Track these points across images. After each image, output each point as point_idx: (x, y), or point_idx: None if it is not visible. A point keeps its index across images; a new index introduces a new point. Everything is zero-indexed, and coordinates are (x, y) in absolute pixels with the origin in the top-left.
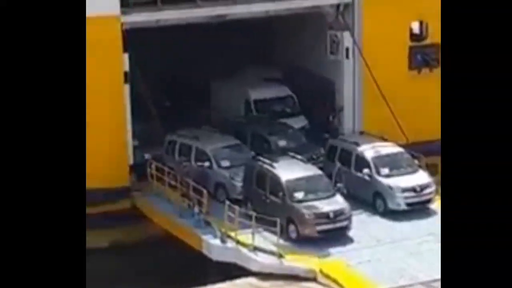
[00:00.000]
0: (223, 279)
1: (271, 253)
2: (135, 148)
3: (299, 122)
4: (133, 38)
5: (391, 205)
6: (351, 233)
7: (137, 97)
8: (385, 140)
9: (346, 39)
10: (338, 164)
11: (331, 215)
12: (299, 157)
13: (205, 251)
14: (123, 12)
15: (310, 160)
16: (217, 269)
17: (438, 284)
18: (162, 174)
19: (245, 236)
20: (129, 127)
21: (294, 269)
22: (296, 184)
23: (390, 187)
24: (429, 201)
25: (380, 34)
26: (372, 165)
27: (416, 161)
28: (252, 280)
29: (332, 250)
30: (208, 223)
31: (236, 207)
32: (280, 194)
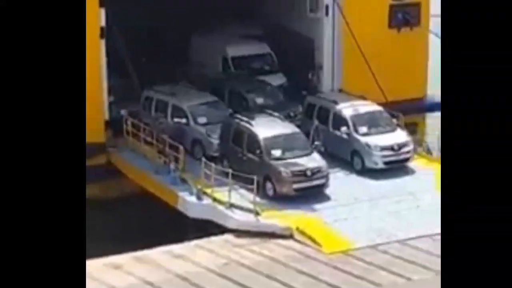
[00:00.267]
0: (199, 236)
1: (248, 210)
2: (110, 104)
3: (277, 80)
4: None
5: (369, 164)
6: (328, 191)
7: (114, 52)
8: (364, 98)
9: None
10: (316, 122)
11: (309, 173)
12: (276, 114)
13: (181, 208)
14: None
15: (288, 117)
16: (193, 226)
17: (415, 242)
18: (138, 131)
19: (221, 193)
20: (105, 82)
21: (271, 226)
22: (274, 141)
23: (368, 145)
24: (407, 159)
25: None
26: (350, 123)
27: (394, 120)
28: (228, 237)
29: (309, 207)
30: (184, 180)
31: (213, 164)
32: (257, 151)
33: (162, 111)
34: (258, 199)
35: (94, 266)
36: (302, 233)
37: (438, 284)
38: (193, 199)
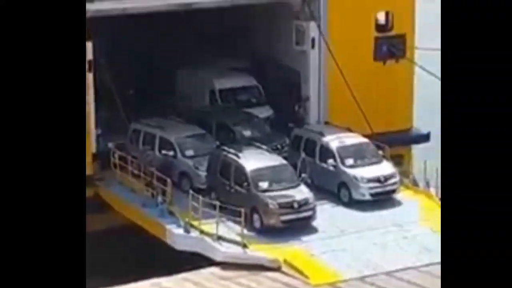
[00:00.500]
0: (187, 269)
1: (235, 242)
2: (98, 136)
3: (264, 112)
4: (98, 26)
5: (356, 195)
6: (315, 223)
7: (101, 85)
8: (350, 130)
9: (312, 29)
10: (303, 154)
11: (296, 205)
12: (264, 147)
13: (168, 241)
14: (88, 0)
15: (275, 150)
16: (181, 259)
17: (401, 273)
18: (125, 163)
19: (209, 225)
20: (92, 115)
21: (258, 258)
22: (261, 174)
23: (355, 177)
24: (393, 191)
25: (346, 24)
26: (337, 155)
27: (381, 152)
28: (215, 269)
29: (297, 239)
30: (171, 213)
31: (200, 197)
32: (245, 184)
33: (150, 143)
34: (245, 231)
35: None
36: (290, 265)
37: None
38: (180, 231)
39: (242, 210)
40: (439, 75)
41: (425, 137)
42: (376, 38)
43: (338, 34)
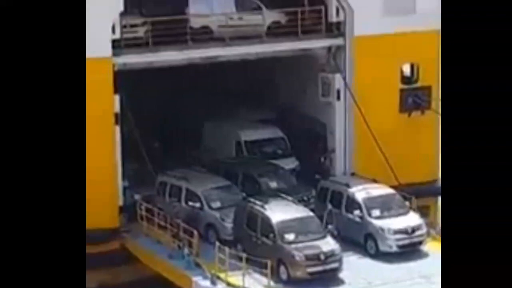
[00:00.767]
0: None
1: None
2: (125, 189)
3: (290, 164)
4: (124, 79)
5: (382, 247)
6: (342, 275)
7: (128, 138)
8: (376, 182)
9: (338, 81)
10: (329, 206)
11: (322, 256)
12: (290, 198)
13: None
14: (115, 54)
15: (301, 201)
16: None
17: None
18: (152, 215)
19: (235, 277)
20: (119, 168)
21: None
22: (287, 225)
23: (382, 229)
24: (420, 243)
25: (371, 76)
26: (363, 206)
27: (407, 203)
28: None
29: None
30: (198, 265)
31: (227, 248)
32: (271, 235)
33: (176, 195)
34: (272, 283)
35: None
36: None
37: None
38: (207, 283)
39: (269, 261)
40: None
41: None
42: (402, 90)
43: (364, 86)
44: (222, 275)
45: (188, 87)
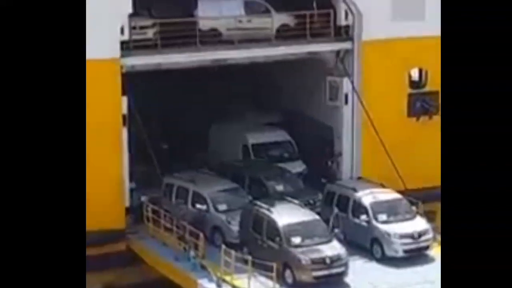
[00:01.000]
0: None
1: None
2: (131, 190)
3: (297, 167)
4: (132, 81)
5: (389, 252)
6: (348, 279)
7: (135, 139)
8: (383, 186)
9: (345, 85)
10: (335, 210)
11: (328, 260)
12: (296, 202)
13: None
14: (123, 55)
15: (308, 205)
16: None
17: None
18: (158, 217)
19: (241, 280)
20: (126, 169)
21: None
22: (293, 229)
23: (388, 234)
24: (427, 247)
25: (380, 80)
26: (370, 211)
27: (414, 208)
28: None
29: None
30: (204, 267)
31: (233, 251)
32: (277, 238)
33: (183, 197)
34: (277, 286)
35: None
36: None
37: None
38: (213, 286)
39: (274, 265)
40: None
41: None
42: (410, 95)
43: (372, 90)
44: (227, 278)
45: (195, 88)
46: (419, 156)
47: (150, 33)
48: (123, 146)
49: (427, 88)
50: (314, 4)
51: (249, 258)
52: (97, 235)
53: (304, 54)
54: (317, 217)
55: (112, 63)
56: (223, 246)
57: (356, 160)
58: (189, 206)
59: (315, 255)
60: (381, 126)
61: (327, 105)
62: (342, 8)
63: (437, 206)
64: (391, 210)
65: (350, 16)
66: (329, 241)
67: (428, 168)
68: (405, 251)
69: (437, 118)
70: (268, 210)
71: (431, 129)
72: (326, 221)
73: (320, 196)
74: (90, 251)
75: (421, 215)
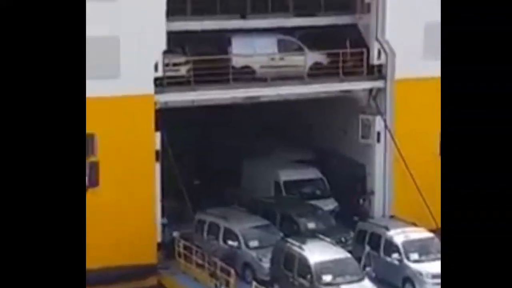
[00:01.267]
0: None
1: None
2: (163, 225)
3: (329, 205)
4: (166, 117)
5: None
6: None
7: (168, 175)
8: (415, 225)
9: (378, 123)
10: (367, 248)
11: None
12: (328, 239)
13: None
14: (156, 92)
15: (339, 243)
16: None
17: None
18: (190, 253)
19: None
20: (158, 204)
21: None
22: (325, 266)
23: (420, 273)
24: None
25: (412, 119)
26: (401, 249)
27: None
28: None
29: None
30: None
31: None
32: (308, 276)
33: (214, 234)
34: None
35: None
36: None
37: None
38: None
39: None
40: None
41: None
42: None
43: (404, 128)
44: None
45: (228, 125)
46: None
47: (183, 70)
48: (156, 182)
49: None
50: (347, 43)
51: None
52: (129, 270)
53: (337, 92)
54: (348, 255)
55: (146, 100)
56: (254, 283)
57: (388, 198)
58: (221, 242)
59: None
60: (413, 165)
61: (359, 143)
62: (375, 46)
63: None
64: (423, 249)
65: (383, 55)
66: (360, 279)
67: None
68: None
69: None
70: (300, 247)
71: None
72: (358, 260)
73: (352, 234)
74: (122, 286)
75: None
